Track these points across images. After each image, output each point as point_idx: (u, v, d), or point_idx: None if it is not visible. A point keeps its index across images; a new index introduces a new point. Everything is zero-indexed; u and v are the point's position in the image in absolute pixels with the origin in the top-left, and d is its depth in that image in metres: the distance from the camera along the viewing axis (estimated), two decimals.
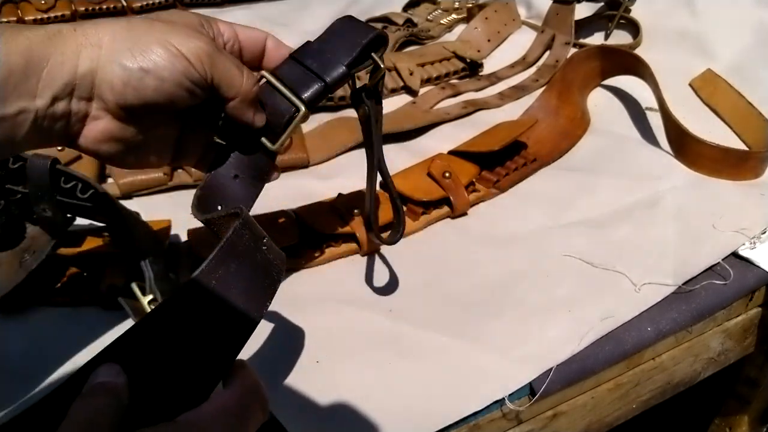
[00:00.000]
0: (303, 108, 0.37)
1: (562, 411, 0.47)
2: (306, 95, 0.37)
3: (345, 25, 0.40)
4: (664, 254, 0.53)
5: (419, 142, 0.70)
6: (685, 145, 0.66)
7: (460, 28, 0.92)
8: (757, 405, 0.69)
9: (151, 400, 0.25)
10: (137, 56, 0.31)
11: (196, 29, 0.35)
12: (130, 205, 0.47)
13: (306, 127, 0.68)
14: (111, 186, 0.58)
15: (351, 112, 0.74)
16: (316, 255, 0.52)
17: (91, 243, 0.48)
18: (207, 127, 0.38)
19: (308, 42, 0.40)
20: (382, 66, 0.40)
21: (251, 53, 0.38)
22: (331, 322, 0.47)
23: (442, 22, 0.95)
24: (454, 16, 0.96)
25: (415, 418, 0.40)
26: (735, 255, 0.54)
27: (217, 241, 0.29)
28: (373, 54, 0.39)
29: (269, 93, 0.37)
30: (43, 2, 0.86)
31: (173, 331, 0.26)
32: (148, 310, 0.42)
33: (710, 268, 0.53)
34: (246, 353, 0.41)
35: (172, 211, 0.53)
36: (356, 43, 0.39)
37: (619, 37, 0.90)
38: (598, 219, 0.58)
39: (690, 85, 0.80)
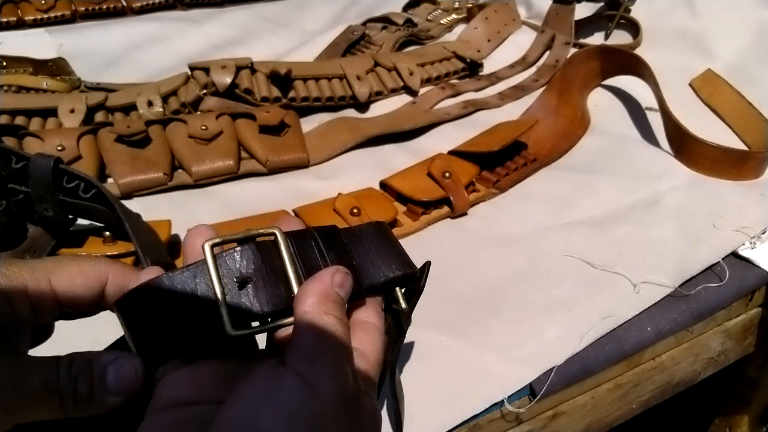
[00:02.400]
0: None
1: (562, 411, 0.47)
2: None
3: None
4: (664, 254, 0.53)
5: (419, 142, 0.70)
6: (685, 145, 0.66)
7: (460, 28, 0.92)
8: (757, 405, 0.69)
9: None
10: None
11: None
12: (130, 205, 0.47)
13: (306, 127, 0.68)
14: (111, 186, 0.58)
15: (351, 112, 0.74)
16: None
17: (91, 243, 0.48)
18: None
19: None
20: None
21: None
22: None
23: (442, 22, 0.95)
24: (454, 16, 0.96)
25: (415, 419, 0.40)
26: (735, 255, 0.54)
27: None
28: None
29: None
30: (43, 2, 0.86)
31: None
32: None
33: (710, 268, 0.53)
34: None
35: (172, 211, 0.53)
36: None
37: (619, 37, 0.90)
38: (598, 219, 0.58)
39: (690, 85, 0.80)
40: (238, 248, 0.27)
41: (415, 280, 0.33)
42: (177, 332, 0.26)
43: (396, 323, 0.34)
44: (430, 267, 0.34)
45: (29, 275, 0.27)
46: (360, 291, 0.29)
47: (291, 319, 0.26)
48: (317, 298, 0.26)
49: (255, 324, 0.26)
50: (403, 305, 0.32)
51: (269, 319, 0.27)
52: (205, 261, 0.26)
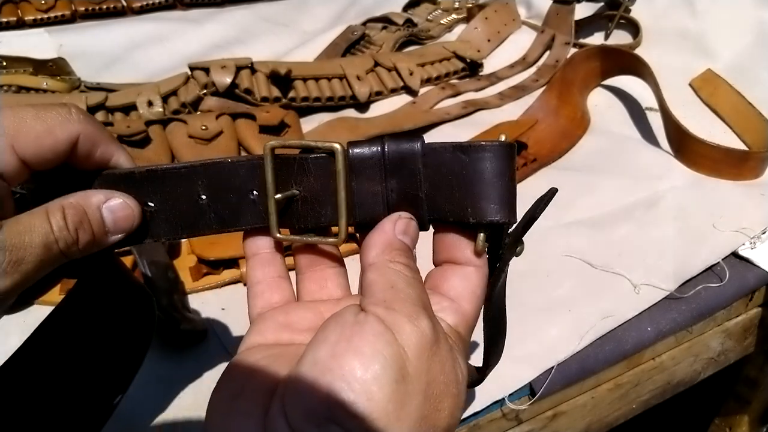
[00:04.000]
0: None
1: (562, 411, 0.47)
2: None
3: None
4: (664, 254, 0.53)
5: None
6: (685, 145, 0.66)
7: (460, 28, 0.92)
8: (757, 405, 0.69)
9: None
10: None
11: None
12: None
13: (306, 127, 0.68)
14: None
15: (351, 112, 0.74)
16: None
17: None
18: None
19: None
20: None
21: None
22: None
23: (442, 22, 0.95)
24: (454, 16, 0.96)
25: None
26: (735, 255, 0.54)
27: None
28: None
29: None
30: (43, 2, 0.86)
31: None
32: None
33: (710, 268, 0.53)
34: None
35: None
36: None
37: (619, 37, 0.90)
38: (598, 219, 0.58)
39: (690, 85, 0.80)
40: (297, 157, 0.27)
41: (510, 230, 0.28)
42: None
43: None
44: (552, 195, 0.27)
45: None
46: (420, 222, 0.27)
47: (332, 240, 0.28)
48: (380, 248, 0.26)
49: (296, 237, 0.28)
50: (478, 249, 0.27)
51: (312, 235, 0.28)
52: (263, 160, 0.27)
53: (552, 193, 0.28)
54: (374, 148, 0.27)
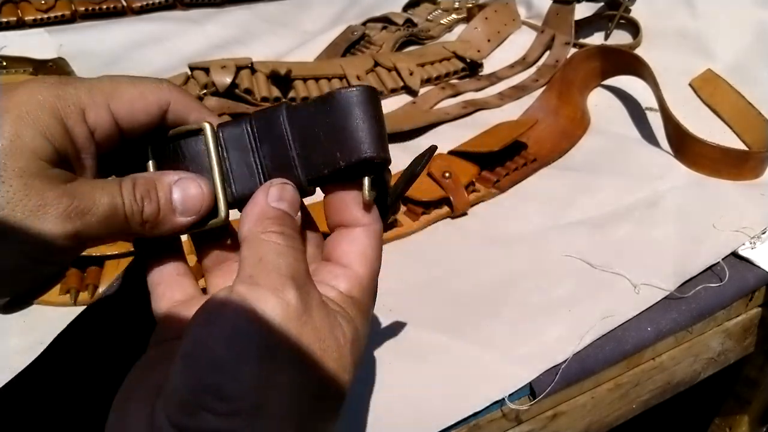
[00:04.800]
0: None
1: (562, 411, 0.47)
2: None
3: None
4: (664, 254, 0.53)
5: (419, 142, 0.70)
6: (685, 145, 0.66)
7: (460, 28, 0.92)
8: (757, 405, 0.69)
9: None
10: None
11: None
12: None
13: None
14: None
15: None
16: None
17: None
18: None
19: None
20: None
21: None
22: None
23: (442, 22, 0.95)
24: (454, 16, 0.96)
25: (415, 419, 0.40)
26: (735, 255, 0.54)
27: None
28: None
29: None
30: (43, 2, 0.86)
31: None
32: None
33: (710, 268, 0.53)
34: None
35: None
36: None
37: (619, 37, 0.90)
38: (598, 219, 0.58)
39: (690, 85, 0.80)
40: (170, 143, 0.27)
41: (384, 166, 0.27)
42: None
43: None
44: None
45: (87, 98, 0.25)
46: (299, 186, 0.27)
47: (214, 221, 0.27)
48: (252, 221, 0.26)
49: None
50: (366, 196, 0.27)
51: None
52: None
53: (432, 150, 0.29)
54: (242, 123, 0.27)
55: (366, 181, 0.27)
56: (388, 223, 0.27)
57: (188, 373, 0.21)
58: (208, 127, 0.27)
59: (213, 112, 0.29)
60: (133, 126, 0.27)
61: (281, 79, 0.70)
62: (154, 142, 0.28)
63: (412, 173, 0.28)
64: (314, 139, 0.26)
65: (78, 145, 0.25)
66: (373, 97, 0.26)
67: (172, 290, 0.28)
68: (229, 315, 0.22)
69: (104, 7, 0.90)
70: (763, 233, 0.56)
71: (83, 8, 0.88)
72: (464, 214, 0.59)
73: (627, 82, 0.77)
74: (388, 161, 0.27)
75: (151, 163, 0.28)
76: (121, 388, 0.25)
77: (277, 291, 0.23)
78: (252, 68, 0.69)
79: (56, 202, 0.23)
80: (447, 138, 0.68)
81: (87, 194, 0.24)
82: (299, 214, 0.27)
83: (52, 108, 0.24)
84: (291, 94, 0.70)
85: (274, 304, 0.22)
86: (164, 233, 0.27)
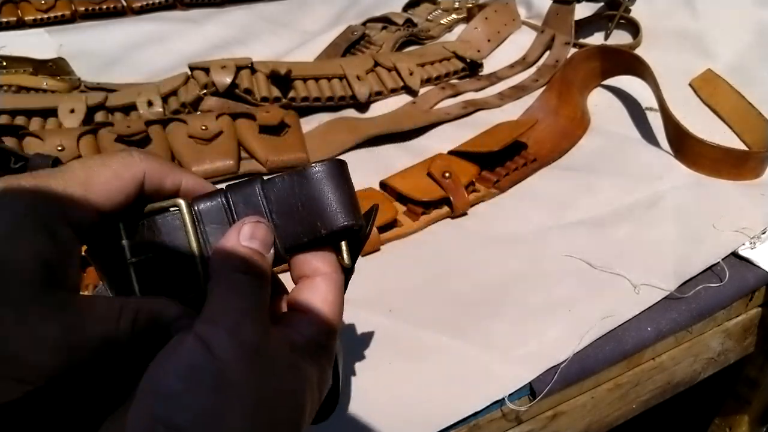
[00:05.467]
0: None
1: (562, 411, 0.47)
2: None
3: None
4: (664, 254, 0.53)
5: (419, 142, 0.70)
6: (685, 145, 0.66)
7: (460, 28, 0.92)
8: (757, 405, 0.69)
9: None
10: None
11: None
12: None
13: (306, 127, 0.68)
14: None
15: (351, 112, 0.74)
16: None
17: None
18: None
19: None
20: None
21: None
22: None
23: (442, 22, 0.95)
24: (454, 16, 0.96)
25: (415, 419, 0.41)
26: (735, 255, 0.54)
27: None
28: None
29: None
30: (43, 2, 0.86)
31: None
32: None
33: (710, 268, 0.53)
34: None
35: None
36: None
37: (619, 37, 0.90)
38: (598, 219, 0.58)
39: (690, 85, 0.80)
40: (144, 222, 0.27)
41: (358, 232, 0.29)
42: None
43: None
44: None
45: (65, 195, 0.24)
46: (277, 254, 0.28)
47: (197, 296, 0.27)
48: (221, 258, 0.26)
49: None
50: (346, 260, 0.29)
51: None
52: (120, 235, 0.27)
53: (375, 208, 0.30)
54: (217, 197, 0.28)
55: (344, 245, 0.28)
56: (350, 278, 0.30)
57: (140, 406, 0.22)
58: (183, 204, 0.27)
59: (187, 171, 0.29)
60: (112, 207, 0.26)
61: (281, 79, 0.70)
62: (127, 219, 0.27)
63: (364, 235, 0.30)
64: (292, 209, 0.28)
65: (65, 250, 0.24)
66: (343, 169, 0.28)
67: None
68: (183, 352, 0.23)
69: (104, 7, 0.90)
70: (763, 233, 0.56)
71: (83, 8, 0.89)
72: (464, 214, 0.59)
73: (627, 82, 0.77)
74: (363, 227, 0.29)
75: (125, 243, 0.27)
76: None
77: (232, 329, 0.23)
78: (252, 68, 0.69)
79: (49, 336, 0.23)
80: (447, 138, 0.68)
81: (79, 327, 0.24)
82: (272, 251, 0.27)
83: (34, 218, 0.23)
84: (291, 94, 0.70)
85: (229, 341, 0.23)
86: None
